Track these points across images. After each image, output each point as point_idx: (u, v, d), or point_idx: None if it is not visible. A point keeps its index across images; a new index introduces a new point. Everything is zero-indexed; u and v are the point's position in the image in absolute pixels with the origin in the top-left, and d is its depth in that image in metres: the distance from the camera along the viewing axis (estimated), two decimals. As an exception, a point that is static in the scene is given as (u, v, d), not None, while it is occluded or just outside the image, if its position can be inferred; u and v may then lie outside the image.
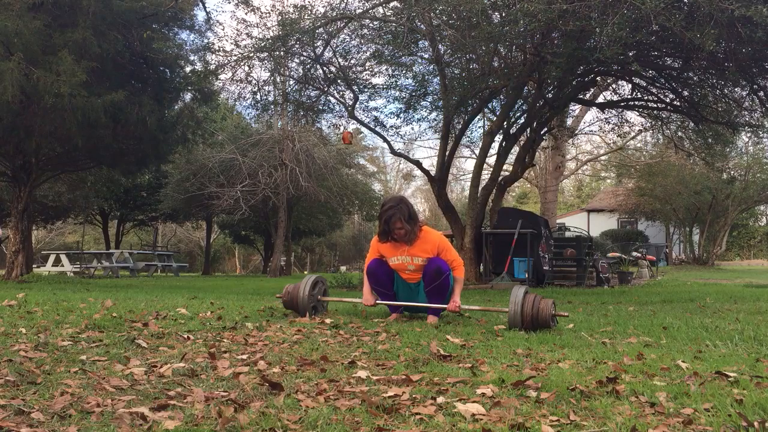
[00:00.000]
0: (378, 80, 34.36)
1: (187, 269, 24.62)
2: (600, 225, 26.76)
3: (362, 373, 2.28)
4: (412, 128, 49.86)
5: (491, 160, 13.20)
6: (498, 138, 11.26)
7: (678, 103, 10.57)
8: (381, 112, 41.71)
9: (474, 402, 1.90)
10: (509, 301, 3.67)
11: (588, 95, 12.46)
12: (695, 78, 9.63)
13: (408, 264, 4.00)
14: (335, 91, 11.76)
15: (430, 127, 14.19)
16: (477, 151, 13.81)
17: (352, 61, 11.20)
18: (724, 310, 5.13)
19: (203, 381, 2.16)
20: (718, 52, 7.62)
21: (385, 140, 12.15)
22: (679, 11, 6.56)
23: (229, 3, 15.36)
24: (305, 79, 11.34)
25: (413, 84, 11.69)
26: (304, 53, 10.71)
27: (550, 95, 10.55)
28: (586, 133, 20.98)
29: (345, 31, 10.36)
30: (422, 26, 9.44)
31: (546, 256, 10.33)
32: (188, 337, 2.99)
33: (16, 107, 8.92)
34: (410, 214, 3.84)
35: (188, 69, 11.94)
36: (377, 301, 4.09)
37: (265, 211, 20.64)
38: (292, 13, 10.22)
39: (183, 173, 19.21)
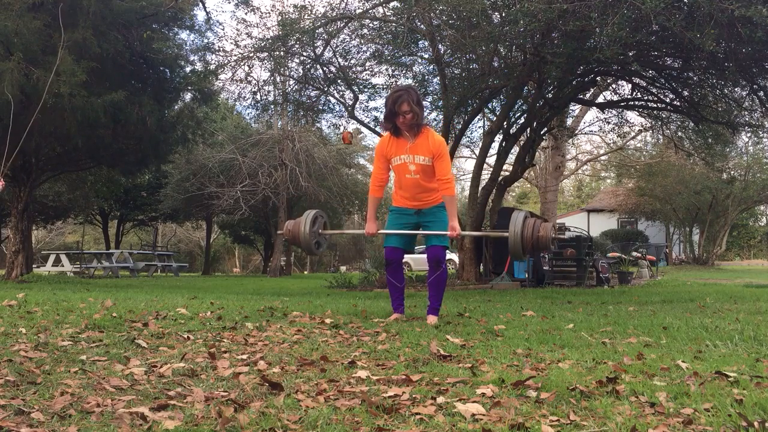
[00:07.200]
0: (378, 80, 34.39)
1: (187, 269, 24.61)
2: (600, 225, 26.74)
3: (362, 373, 2.28)
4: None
5: (491, 160, 13.21)
6: (498, 138, 11.27)
7: (678, 103, 10.57)
8: (381, 112, 41.60)
9: (474, 402, 1.90)
10: (509, 228, 3.71)
11: (588, 95, 12.46)
12: (695, 78, 9.63)
13: (409, 164, 3.91)
14: (335, 91, 11.77)
15: (430, 127, 14.16)
16: (477, 151, 13.82)
17: (352, 61, 11.22)
18: (724, 310, 5.13)
19: (203, 381, 2.16)
20: (718, 52, 7.62)
21: (385, 140, 12.15)
22: (679, 11, 6.56)
23: (229, 3, 15.38)
24: (305, 79, 11.35)
25: (413, 84, 11.69)
26: (304, 53, 10.72)
27: (550, 95, 10.55)
28: (586, 133, 21.05)
29: (345, 31, 10.37)
30: (422, 26, 9.45)
31: (546, 256, 10.32)
32: (188, 337, 2.99)
33: (16, 107, 8.91)
34: (418, 100, 3.81)
35: (188, 69, 11.95)
36: (379, 232, 4.12)
37: (265, 211, 20.63)
38: (292, 13, 10.24)
39: (183, 173, 19.21)
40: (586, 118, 21.32)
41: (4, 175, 11.66)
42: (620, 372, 2.32)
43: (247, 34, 12.58)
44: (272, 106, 13.42)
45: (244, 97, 12.03)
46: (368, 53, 11.02)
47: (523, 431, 1.69)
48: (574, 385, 2.09)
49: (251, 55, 10.40)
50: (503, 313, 4.56)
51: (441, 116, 11.52)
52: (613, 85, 11.78)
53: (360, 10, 9.80)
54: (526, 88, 10.57)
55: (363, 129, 15.39)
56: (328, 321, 3.72)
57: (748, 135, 13.12)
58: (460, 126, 11.50)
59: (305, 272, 32.42)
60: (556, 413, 1.82)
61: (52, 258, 15.24)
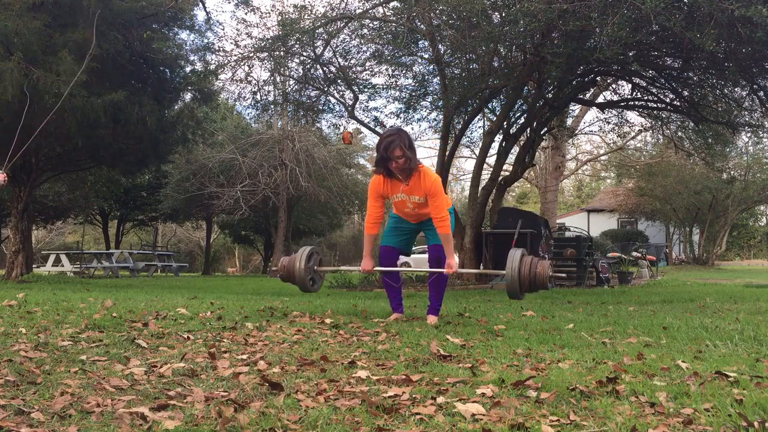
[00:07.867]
0: (378, 80, 34.29)
1: (187, 269, 24.60)
2: (600, 225, 26.74)
3: (362, 373, 2.28)
4: (412, 128, 49.57)
5: (491, 160, 13.20)
6: (498, 138, 11.26)
7: (678, 103, 10.56)
8: (381, 112, 41.62)
9: (474, 402, 1.90)
10: (506, 266, 3.66)
11: (588, 95, 12.45)
12: (695, 78, 9.63)
13: (407, 202, 3.94)
14: (335, 91, 11.77)
15: (430, 127, 14.22)
16: (477, 151, 13.82)
17: (352, 61, 11.22)
18: (724, 310, 5.13)
19: (203, 381, 2.16)
20: (718, 52, 7.62)
21: (385, 140, 12.14)
22: (679, 11, 6.56)
23: (229, 3, 15.38)
24: (305, 79, 11.35)
25: (413, 84, 11.70)
26: (304, 53, 10.71)
27: (550, 95, 10.55)
28: (586, 133, 21.02)
29: (345, 31, 10.37)
30: (422, 26, 9.45)
31: (546, 256, 10.32)
32: (188, 337, 2.99)
33: (16, 107, 8.92)
34: (410, 144, 3.75)
35: (188, 69, 11.95)
36: (375, 269, 4.10)
37: (265, 211, 20.62)
38: (292, 13, 10.24)
39: (183, 173, 19.21)
40: (586, 118, 21.33)
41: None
42: (620, 372, 2.32)
43: (247, 34, 12.56)
44: (272, 106, 13.42)
45: (244, 97, 12.04)
46: (368, 53, 11.02)
47: (523, 431, 1.69)
48: (574, 385, 2.09)
49: (251, 55, 10.40)
50: (503, 313, 4.57)
51: (441, 116, 11.53)
52: (613, 85, 11.77)
53: (360, 10, 9.80)
54: (526, 88, 10.56)
55: (363, 129, 15.39)
56: (328, 321, 3.72)
57: (748, 135, 13.11)
58: (460, 126, 11.49)
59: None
60: (556, 413, 1.82)
61: (52, 258, 15.23)
